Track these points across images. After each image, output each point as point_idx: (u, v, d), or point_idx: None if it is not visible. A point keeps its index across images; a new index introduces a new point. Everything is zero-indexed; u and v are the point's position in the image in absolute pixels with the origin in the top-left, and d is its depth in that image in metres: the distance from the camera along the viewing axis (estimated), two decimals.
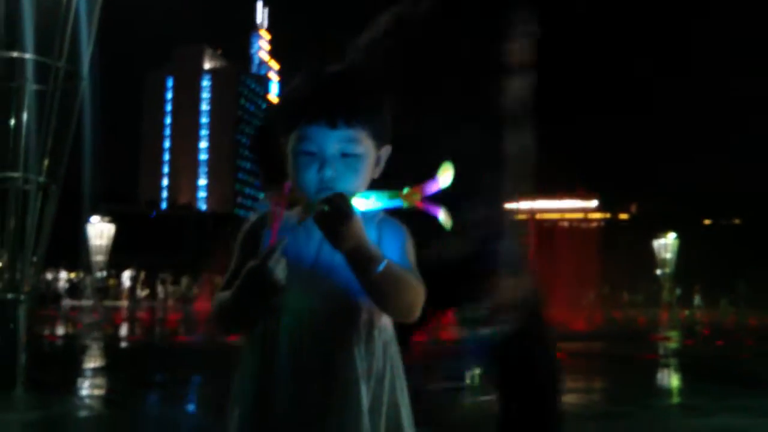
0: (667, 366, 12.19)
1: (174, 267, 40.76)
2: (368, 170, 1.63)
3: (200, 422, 6.10)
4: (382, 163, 1.70)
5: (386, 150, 1.69)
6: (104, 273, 35.85)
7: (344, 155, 1.59)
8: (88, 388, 8.01)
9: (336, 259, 1.54)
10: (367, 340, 1.58)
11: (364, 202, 1.50)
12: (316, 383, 1.53)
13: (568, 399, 7.45)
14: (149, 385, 8.45)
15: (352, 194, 1.52)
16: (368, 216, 1.55)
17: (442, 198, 1.50)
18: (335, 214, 1.42)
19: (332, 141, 1.58)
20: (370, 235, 1.52)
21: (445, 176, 1.52)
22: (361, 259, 1.47)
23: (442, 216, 1.53)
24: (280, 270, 1.48)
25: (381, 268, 1.48)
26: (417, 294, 1.55)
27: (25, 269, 8.32)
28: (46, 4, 8.26)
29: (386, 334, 1.64)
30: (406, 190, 1.51)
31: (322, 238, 1.54)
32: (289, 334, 1.57)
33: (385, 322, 1.65)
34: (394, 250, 1.60)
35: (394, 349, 1.65)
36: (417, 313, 1.57)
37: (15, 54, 8.24)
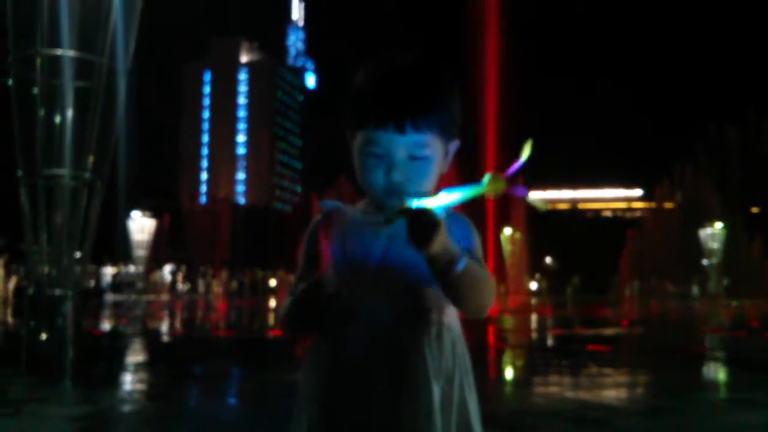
0: (714, 359, 11.93)
1: (214, 261, 41.21)
2: (437, 170, 1.60)
3: (241, 415, 6.12)
4: (450, 158, 1.66)
5: (454, 145, 1.65)
6: (141, 268, 36.34)
7: (412, 158, 1.56)
8: (132, 382, 8.10)
9: (405, 257, 1.52)
10: (437, 339, 1.56)
11: (448, 197, 1.42)
12: (387, 384, 1.50)
13: (611, 393, 7.32)
14: (192, 378, 8.52)
15: (425, 195, 1.46)
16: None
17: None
18: (424, 225, 1.37)
19: (401, 145, 1.54)
20: None
21: (524, 155, 1.46)
22: (443, 260, 1.43)
23: (532, 198, 1.47)
24: (330, 285, 1.50)
25: (461, 267, 1.45)
26: (491, 290, 1.54)
27: (72, 265, 8.44)
28: (88, 2, 8.34)
29: (454, 333, 1.62)
30: (488, 178, 1.42)
31: (390, 236, 1.55)
32: (358, 335, 1.54)
33: (453, 320, 1.63)
34: (465, 245, 1.58)
35: (462, 347, 1.63)
36: (489, 309, 1.55)
37: (59, 51, 8.33)
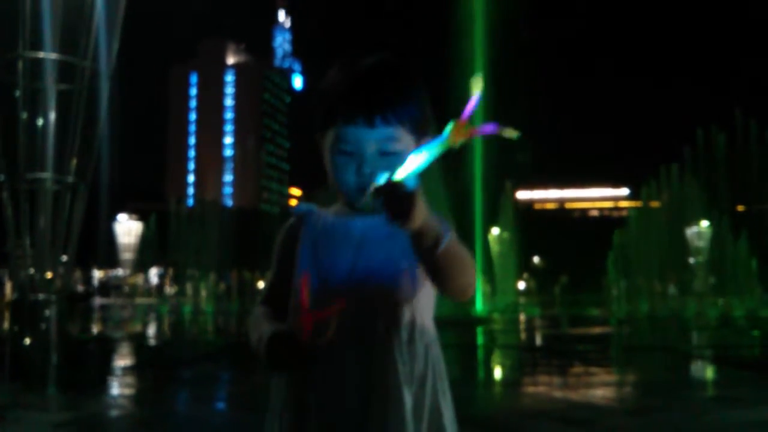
0: (701, 356, 11.98)
1: (201, 264, 41.02)
2: None
3: (230, 420, 6.08)
4: None
5: (426, 140, 1.59)
6: (128, 271, 36.16)
7: (383, 153, 1.50)
8: (118, 387, 8.03)
9: (376, 260, 1.51)
10: (408, 343, 1.51)
11: (417, 159, 1.32)
12: (356, 390, 1.47)
13: (599, 392, 7.33)
14: (180, 382, 8.46)
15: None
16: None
17: None
18: (400, 198, 1.27)
19: (371, 140, 1.50)
20: None
21: (477, 91, 1.37)
22: (429, 235, 1.34)
23: (503, 130, 1.36)
24: (287, 342, 1.52)
25: (447, 240, 1.36)
26: (474, 267, 1.47)
27: (55, 269, 8.37)
28: (70, 4, 8.27)
29: (428, 336, 1.56)
30: (450, 126, 1.33)
31: (362, 238, 1.53)
32: (328, 342, 1.51)
33: (428, 323, 1.57)
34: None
35: (437, 351, 1.57)
36: (472, 291, 1.49)
37: (41, 54, 8.26)
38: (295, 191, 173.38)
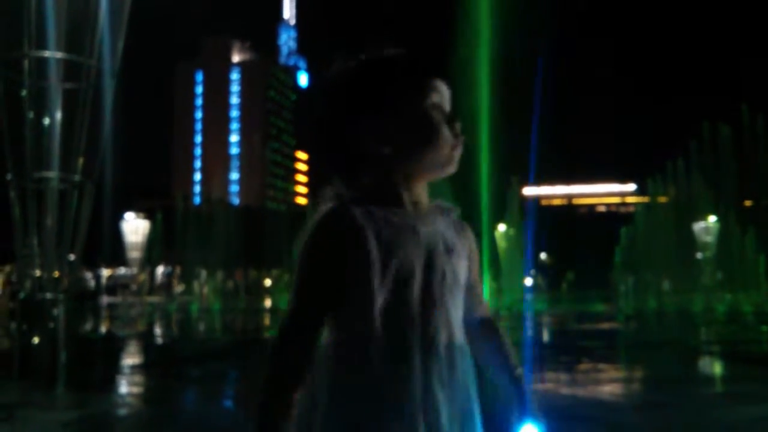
0: (709, 352, 11.93)
1: (209, 262, 41.06)
2: None
3: (237, 419, 6.07)
4: None
5: None
6: (135, 269, 36.21)
7: None
8: (126, 386, 8.05)
9: (447, 266, 1.38)
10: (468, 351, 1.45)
11: None
12: (452, 414, 1.35)
13: (607, 388, 7.31)
14: (187, 381, 8.47)
15: None
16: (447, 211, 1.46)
17: None
18: None
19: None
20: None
21: None
22: None
23: None
24: None
25: None
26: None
27: (62, 268, 8.39)
28: (75, 3, 8.28)
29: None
30: None
31: (430, 242, 1.38)
32: (421, 359, 1.33)
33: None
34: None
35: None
36: None
37: (47, 53, 8.27)
38: (302, 189, 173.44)
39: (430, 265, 1.37)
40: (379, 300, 1.31)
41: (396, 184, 1.40)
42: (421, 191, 1.43)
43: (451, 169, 1.42)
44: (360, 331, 1.31)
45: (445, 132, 1.39)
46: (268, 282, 41.56)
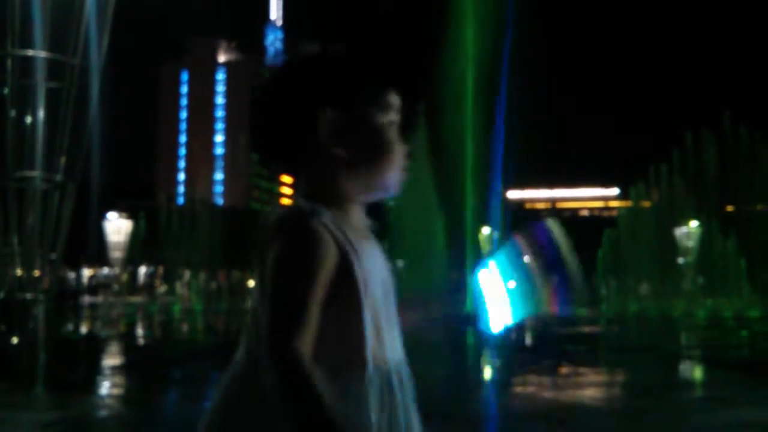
0: (690, 357, 12.03)
1: (192, 262, 40.91)
2: None
3: None
4: None
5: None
6: (117, 269, 35.94)
7: None
8: (106, 387, 8.00)
9: (391, 281, 1.35)
10: None
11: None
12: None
13: (588, 393, 7.35)
14: (169, 382, 8.42)
15: None
16: None
17: None
18: None
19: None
20: None
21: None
22: None
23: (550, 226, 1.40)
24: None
25: None
26: None
27: (43, 268, 8.33)
28: (60, 1, 8.23)
29: None
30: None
31: (383, 256, 1.34)
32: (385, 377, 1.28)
33: None
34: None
35: None
36: None
37: (30, 52, 8.22)
38: (287, 190, 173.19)
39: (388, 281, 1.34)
40: (367, 319, 1.25)
41: (346, 190, 1.33)
42: (360, 211, 1.37)
43: (393, 191, 1.36)
44: (343, 354, 1.23)
45: (399, 152, 1.35)
46: (251, 283, 41.49)
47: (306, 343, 1.16)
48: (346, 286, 1.24)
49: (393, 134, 1.35)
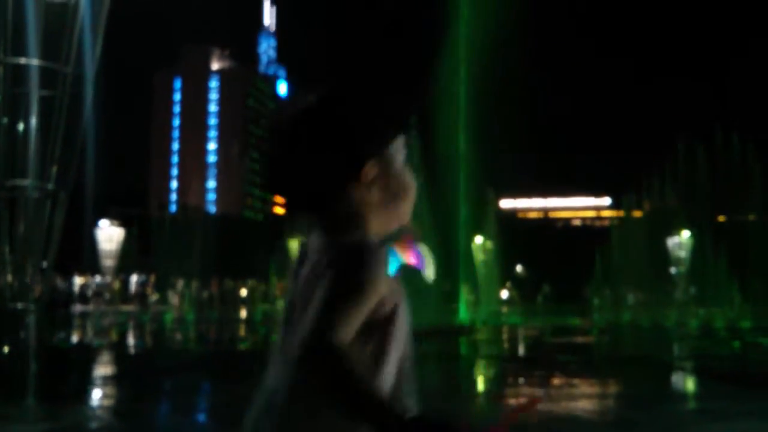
0: (682, 368, 12.02)
1: (184, 271, 40.73)
2: None
3: None
4: None
5: None
6: (109, 278, 35.72)
7: None
8: (97, 398, 7.94)
9: None
10: None
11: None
12: None
13: (581, 404, 7.34)
14: (159, 393, 8.37)
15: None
16: None
17: None
18: None
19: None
20: None
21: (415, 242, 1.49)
22: None
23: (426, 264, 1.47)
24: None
25: None
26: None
27: (34, 277, 8.28)
28: (53, 10, 8.21)
29: None
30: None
31: None
32: None
33: None
34: None
35: None
36: None
37: (22, 60, 8.19)
38: (280, 198, 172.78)
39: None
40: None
41: (373, 228, 1.37)
42: None
43: (407, 221, 1.44)
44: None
45: (414, 186, 1.42)
46: (243, 292, 41.33)
47: (346, 339, 1.20)
48: (387, 322, 1.30)
49: (409, 171, 1.43)
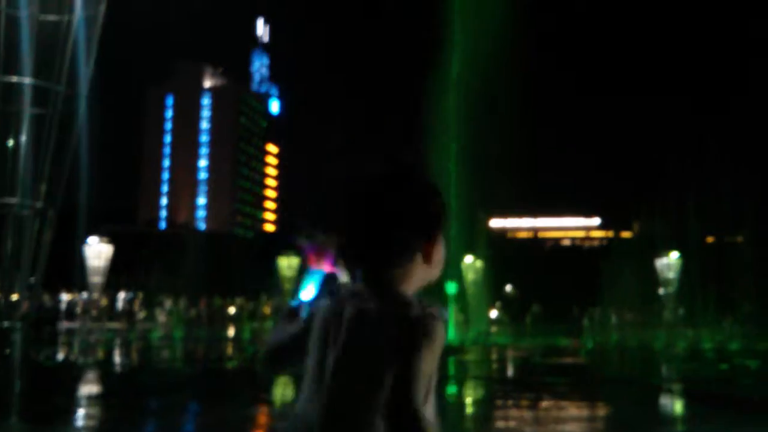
0: (670, 391, 12.03)
1: (172, 288, 40.50)
2: None
3: None
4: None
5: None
6: (96, 295, 35.41)
7: None
8: (82, 418, 7.87)
9: None
10: None
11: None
12: None
13: (569, 428, 7.33)
14: (144, 413, 8.30)
15: None
16: None
17: None
18: None
19: None
20: None
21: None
22: None
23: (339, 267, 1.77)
24: None
25: None
26: None
27: (22, 293, 8.22)
28: (46, 28, 8.22)
29: None
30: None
31: None
32: None
33: None
34: None
35: None
36: None
37: (14, 79, 8.18)
38: (270, 216, 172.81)
39: None
40: None
41: (414, 286, 1.67)
42: None
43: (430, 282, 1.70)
44: None
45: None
46: (232, 310, 41.10)
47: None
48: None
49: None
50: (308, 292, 1.80)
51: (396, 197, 1.65)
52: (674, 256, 39.16)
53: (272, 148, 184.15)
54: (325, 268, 1.79)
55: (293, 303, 1.75)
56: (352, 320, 1.55)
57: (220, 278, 45.55)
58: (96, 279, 35.08)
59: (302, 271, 1.83)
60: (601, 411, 9.29)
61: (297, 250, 1.84)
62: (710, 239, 57.93)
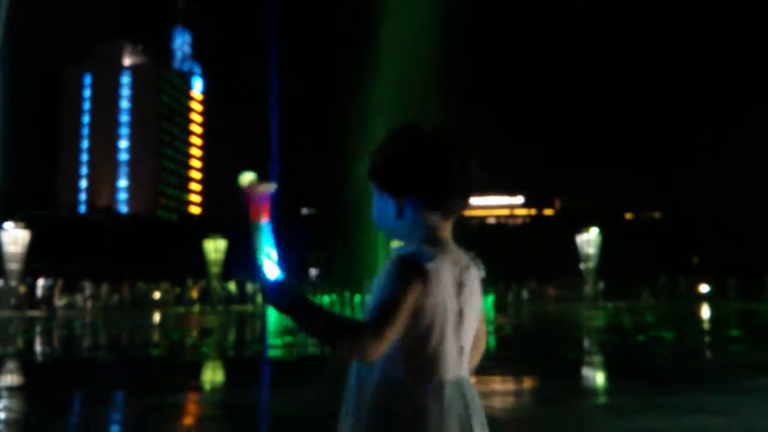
0: (590, 364, 12.46)
1: (93, 274, 39.41)
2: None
3: None
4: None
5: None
6: (14, 282, 34.24)
7: None
8: (1, 411, 7.64)
9: None
10: None
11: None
12: None
13: (492, 402, 7.52)
14: (66, 406, 8.10)
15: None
16: None
17: None
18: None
19: None
20: None
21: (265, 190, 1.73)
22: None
23: (262, 186, 1.73)
24: None
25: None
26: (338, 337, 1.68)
27: None
28: None
29: None
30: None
31: None
32: None
33: None
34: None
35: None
36: (349, 354, 1.67)
37: None
38: (195, 197, 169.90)
39: None
40: None
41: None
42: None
43: None
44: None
45: None
46: (157, 295, 40.34)
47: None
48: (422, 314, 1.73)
49: None
50: (271, 268, 1.67)
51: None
52: (594, 231, 40.37)
53: (196, 128, 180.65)
54: (266, 218, 1.71)
55: (271, 282, 1.65)
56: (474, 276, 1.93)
57: (143, 262, 44.57)
58: (14, 266, 33.92)
59: (249, 226, 1.69)
60: (519, 385, 9.56)
61: (240, 199, 1.69)
62: (629, 215, 59.76)
